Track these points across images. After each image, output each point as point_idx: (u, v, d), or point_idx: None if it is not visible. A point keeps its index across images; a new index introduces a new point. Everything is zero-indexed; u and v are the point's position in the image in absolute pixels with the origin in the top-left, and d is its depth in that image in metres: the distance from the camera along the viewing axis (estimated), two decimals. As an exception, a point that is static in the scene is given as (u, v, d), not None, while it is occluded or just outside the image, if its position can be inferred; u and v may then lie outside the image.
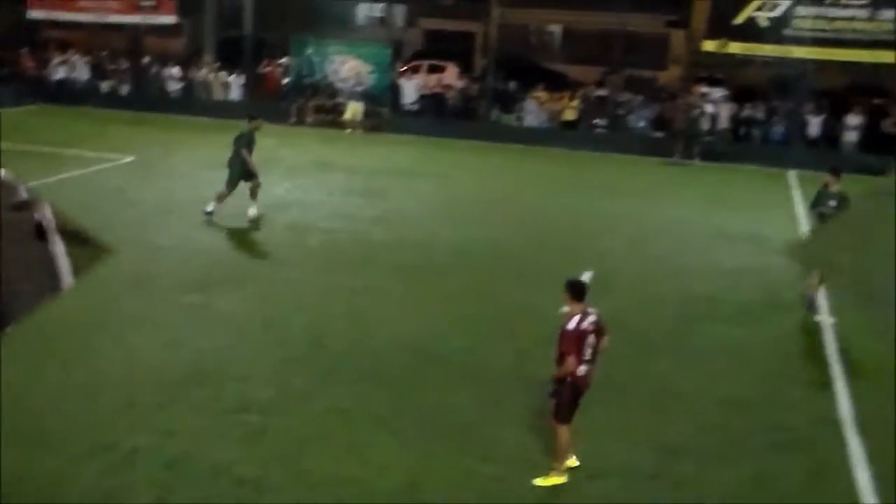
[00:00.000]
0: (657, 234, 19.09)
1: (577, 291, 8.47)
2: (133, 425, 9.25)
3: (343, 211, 19.26)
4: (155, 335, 11.79)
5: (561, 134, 31.68)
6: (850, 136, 30.38)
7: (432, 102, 33.55)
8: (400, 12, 46.72)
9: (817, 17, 30.97)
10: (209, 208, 17.76)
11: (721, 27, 32.09)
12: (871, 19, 30.49)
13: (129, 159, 23.86)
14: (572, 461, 8.76)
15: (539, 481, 8.58)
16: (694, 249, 18.01)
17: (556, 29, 46.62)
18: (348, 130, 31.50)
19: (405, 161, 26.47)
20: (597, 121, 32.29)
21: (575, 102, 32.34)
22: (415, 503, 8.26)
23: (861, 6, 30.45)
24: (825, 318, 13.89)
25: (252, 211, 17.85)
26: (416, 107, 33.48)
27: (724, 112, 31.47)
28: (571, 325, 8.32)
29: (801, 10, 31.06)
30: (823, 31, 30.95)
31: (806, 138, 30.86)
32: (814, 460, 9.40)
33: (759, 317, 13.98)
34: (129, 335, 11.74)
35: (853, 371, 11.85)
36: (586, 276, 15.05)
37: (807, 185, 25.99)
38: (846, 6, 30.57)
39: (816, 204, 15.00)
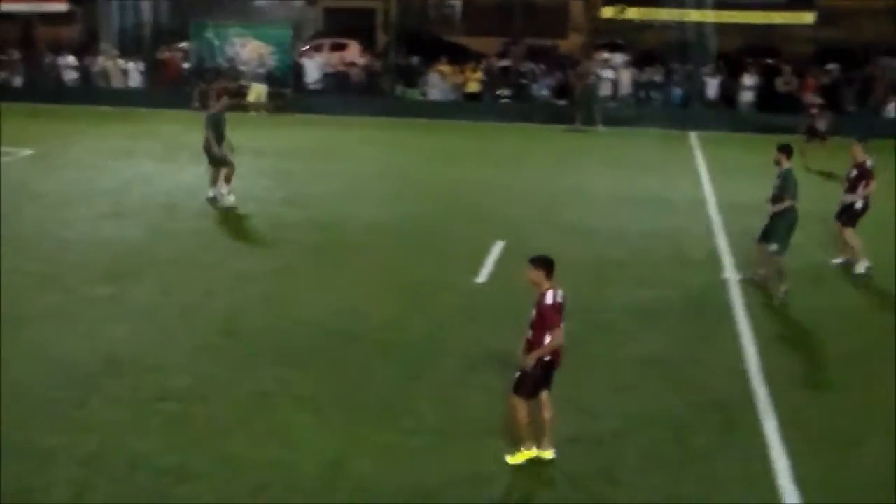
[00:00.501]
0: (565, 200, 19.35)
1: (548, 267, 8.50)
2: (48, 423, 9.10)
3: (252, 193, 19.09)
4: (67, 329, 11.60)
5: (466, 106, 31.84)
6: (747, 97, 31.15)
7: (336, 81, 33.40)
8: (300, -9, 46.26)
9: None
10: (210, 193, 18.12)
11: (619, -7, 32.58)
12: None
13: (28, 152, 23.28)
14: (548, 453, 8.65)
15: (511, 459, 8.54)
16: (602, 214, 18.32)
17: (456, 2, 46.68)
18: (253, 112, 31.16)
19: (312, 140, 26.33)
20: (500, 91, 32.54)
21: (478, 74, 32.51)
22: (341, 481, 8.30)
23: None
24: (731, 275, 14.26)
25: (229, 198, 17.99)
26: (319, 86, 33.30)
27: (626, 77, 31.95)
28: (549, 299, 8.35)
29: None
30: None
31: (705, 100, 31.50)
32: (725, 414, 9.66)
33: (669, 277, 14.29)
34: (39, 331, 11.52)
35: (758, 325, 12.21)
36: (498, 246, 15.28)
37: (708, 145, 26.63)
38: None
39: None
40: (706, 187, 20.90)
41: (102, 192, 18.06)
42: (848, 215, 14.64)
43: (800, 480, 8.36)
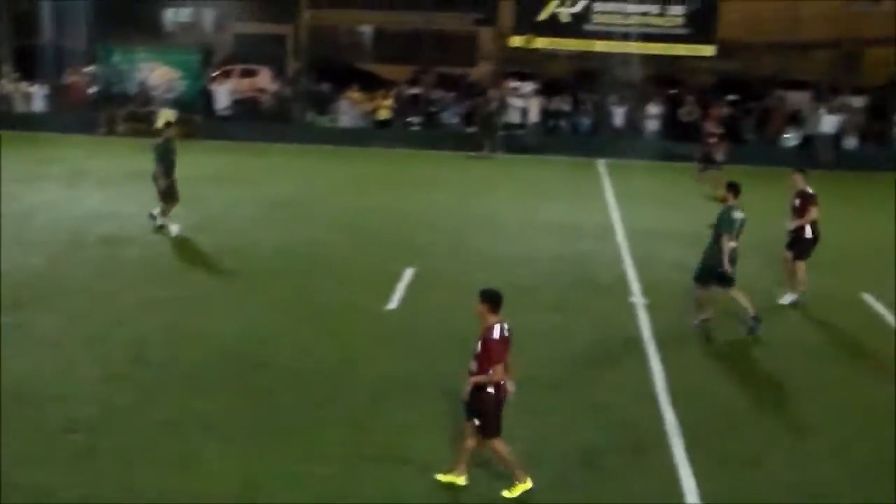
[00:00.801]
0: (475, 226, 19.54)
1: (494, 301, 8.51)
2: (-52, 456, 8.84)
3: (160, 221, 18.85)
4: (-34, 360, 11.28)
5: (376, 133, 31.96)
6: (652, 125, 31.85)
7: (246, 107, 33.22)
8: (209, 16, 45.90)
9: (614, 13, 32.35)
10: (159, 222, 17.88)
11: (526, 23, 33.16)
12: (661, 14, 32.13)
13: (-76, 179, 22.60)
14: (461, 479, 8.65)
15: (506, 493, 8.50)
16: (512, 240, 18.53)
17: (366, 29, 46.87)
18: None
19: (221, 167, 26.10)
20: (411, 119, 32.72)
21: (388, 101, 32.67)
22: (251, 509, 8.24)
23: (653, 2, 32.04)
24: (638, 299, 14.55)
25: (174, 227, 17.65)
26: (229, 112, 33.06)
27: (534, 106, 32.40)
28: (496, 334, 8.35)
29: (600, 6, 32.39)
30: (621, 25, 32.38)
31: (611, 128, 32.14)
32: (635, 435, 9.85)
33: (577, 302, 14.52)
34: (-63, 362, 11.19)
35: (665, 348, 12.46)
36: (408, 273, 15.35)
37: (615, 172, 27.16)
38: (640, 2, 32.09)
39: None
40: (613, 214, 21.31)
41: (6, 218, 17.62)
42: (800, 247, 14.48)
43: (705, 496, 8.56)
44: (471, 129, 31.30)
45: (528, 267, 16.44)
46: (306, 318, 13.34)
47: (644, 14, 32.43)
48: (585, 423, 10.10)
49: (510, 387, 8.48)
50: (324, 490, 8.56)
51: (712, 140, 24.63)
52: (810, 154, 30.05)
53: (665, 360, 11.99)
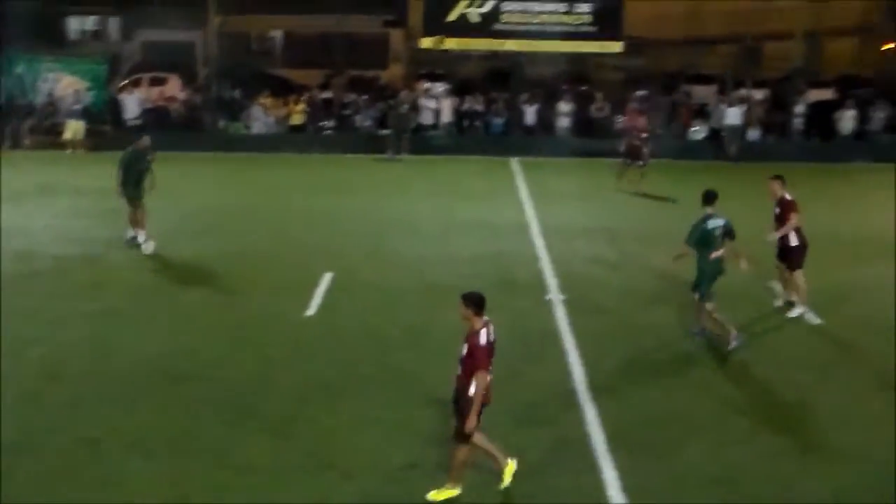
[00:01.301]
0: (393, 229, 19.60)
1: (478, 305, 8.45)
2: None
3: (72, 234, 18.55)
4: None
5: (290, 138, 31.81)
6: (563, 122, 32.25)
7: (156, 116, 32.73)
8: (115, 25, 45.07)
9: (523, 12, 32.70)
10: (129, 235, 17.54)
11: (436, 25, 33.31)
12: (569, 13, 32.59)
13: None
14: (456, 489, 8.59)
15: (433, 494, 8.48)
16: (429, 241, 18.64)
17: (277, 34, 46.52)
18: (69, 150, 30.17)
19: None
20: (324, 123, 32.64)
21: (301, 106, 32.53)
22: (175, 524, 8.18)
23: (561, 1, 32.49)
24: (555, 296, 14.75)
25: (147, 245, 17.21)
26: (139, 122, 32.50)
27: (447, 106, 32.56)
28: (482, 339, 8.31)
29: (509, 6, 32.71)
30: (530, 24, 32.76)
31: (524, 127, 32.47)
32: (556, 431, 10.00)
33: (495, 300, 14.54)
34: None
35: (583, 344, 12.66)
36: (327, 278, 15.35)
37: (529, 171, 27.45)
38: (548, 1, 32.52)
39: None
40: (529, 211, 21.55)
41: None
42: (791, 256, 13.90)
43: (628, 490, 8.72)
44: (384, 132, 31.32)
45: (446, 267, 16.56)
46: (225, 328, 13.25)
47: (552, 13, 32.85)
48: (507, 419, 10.16)
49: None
50: (251, 500, 8.54)
51: (643, 137, 24.86)
52: (717, 146, 30.82)
53: (584, 356, 12.18)
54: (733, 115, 31.09)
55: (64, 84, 32.32)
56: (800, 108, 32.56)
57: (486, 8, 33.01)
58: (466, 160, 29.50)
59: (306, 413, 10.38)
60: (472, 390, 8.21)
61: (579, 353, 12.27)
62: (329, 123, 32.67)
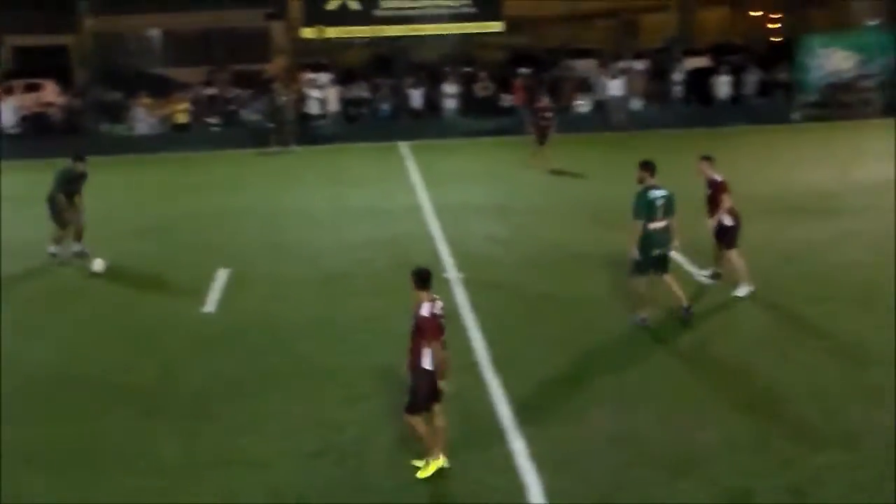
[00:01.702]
0: (287, 220, 19.49)
1: (421, 279, 8.50)
2: None
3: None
4: None
5: (175, 138, 31.32)
6: (450, 104, 32.46)
7: (34, 123, 31.84)
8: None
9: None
10: (52, 250, 16.74)
11: (317, 14, 33.10)
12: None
13: None
14: (440, 461, 8.64)
15: (421, 473, 8.54)
16: (324, 230, 18.58)
17: (155, 33, 45.57)
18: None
19: (14, 187, 24.90)
20: (210, 120, 32.19)
21: (184, 105, 32.03)
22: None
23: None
24: (452, 274, 14.87)
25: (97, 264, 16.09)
26: (17, 129, 31.60)
27: (333, 95, 32.45)
28: (425, 311, 8.32)
29: (388, -9, 32.79)
30: (410, 8, 32.84)
31: (410, 110, 32.58)
32: (462, 406, 10.05)
33: (395, 284, 14.65)
34: None
35: (484, 319, 12.81)
36: (223, 274, 15.20)
37: (419, 154, 27.55)
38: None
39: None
40: (421, 194, 21.65)
41: None
42: (725, 236, 13.48)
43: (535, 458, 8.86)
44: (270, 125, 31.03)
45: (342, 255, 16.55)
46: (122, 332, 13.01)
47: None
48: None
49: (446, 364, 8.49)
50: (162, 503, 8.44)
51: (548, 115, 25.03)
52: (603, 118, 31.41)
53: (485, 330, 12.31)
54: (616, 87, 31.71)
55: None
56: (678, 77, 33.40)
57: (366, -6, 33.01)
58: (355, 148, 29.46)
59: (212, 410, 10.27)
60: (425, 362, 8.30)
61: (480, 329, 12.39)
62: (215, 120, 32.24)
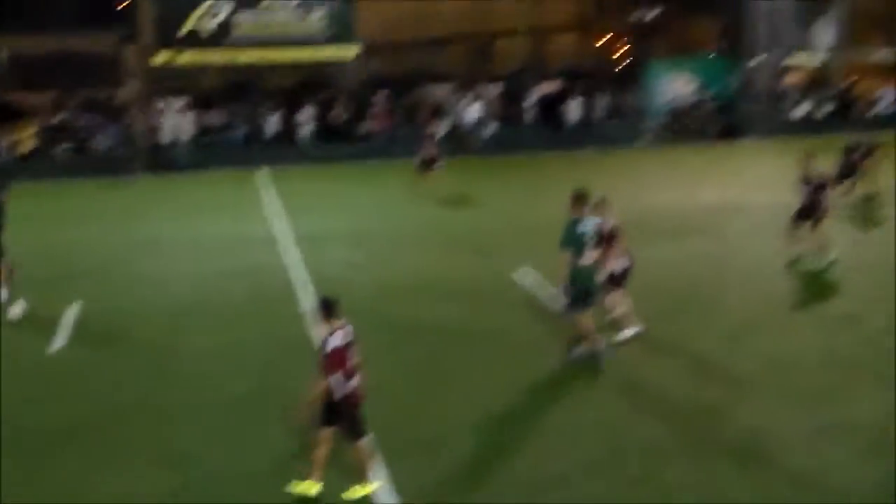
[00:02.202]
0: (139, 251, 19.16)
1: (326, 309, 8.45)
2: None
3: None
4: None
5: (21, 167, 30.26)
6: (306, 130, 32.48)
7: None
8: None
9: (256, 23, 32.68)
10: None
11: (169, 39, 32.71)
12: (302, 20, 32.87)
13: None
14: (316, 486, 8.68)
15: (355, 492, 8.58)
16: (178, 260, 18.35)
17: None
18: None
19: None
20: (60, 147, 31.34)
21: (31, 132, 31.10)
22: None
23: (293, 9, 32.71)
24: (309, 304, 14.88)
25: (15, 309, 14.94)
26: None
27: (187, 122, 32.04)
28: (332, 343, 8.29)
29: (241, 17, 32.61)
30: (263, 34, 32.79)
31: (267, 137, 32.45)
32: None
33: (250, 315, 14.64)
34: None
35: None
36: (74, 309, 14.87)
37: (276, 181, 27.48)
38: (279, 11, 32.64)
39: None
40: (277, 221, 21.60)
41: None
42: (621, 278, 12.88)
43: (396, 480, 8.96)
44: (122, 153, 30.43)
45: (196, 286, 16.39)
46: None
47: (286, 22, 32.99)
48: (276, 432, 10.13)
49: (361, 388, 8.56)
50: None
51: (433, 140, 25.19)
52: (459, 142, 31.92)
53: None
54: (471, 111, 32.32)
55: None
56: (531, 101, 34.27)
57: (219, 20, 32.75)
58: (210, 175, 29.15)
59: (60, 448, 10.06)
60: (338, 392, 8.36)
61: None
62: (63, 148, 31.39)
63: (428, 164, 24.67)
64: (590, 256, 11.72)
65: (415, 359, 12.56)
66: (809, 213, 16.20)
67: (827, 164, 18.17)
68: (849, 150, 21.61)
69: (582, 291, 11.78)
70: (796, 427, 9.98)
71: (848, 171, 21.37)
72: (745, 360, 11.97)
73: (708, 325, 13.51)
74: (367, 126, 32.46)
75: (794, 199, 16.49)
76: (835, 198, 16.90)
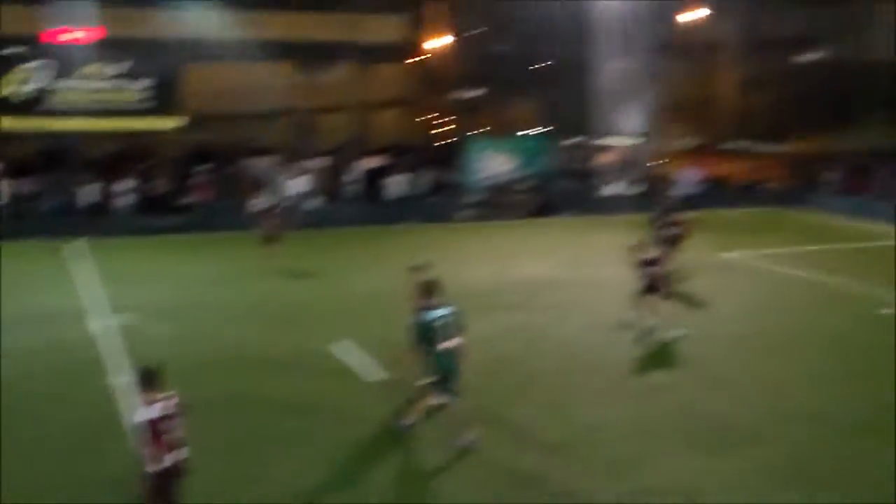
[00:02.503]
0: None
1: (144, 380, 8.33)
2: None
3: None
4: None
5: None
6: (124, 201, 31.81)
7: None
8: None
9: (76, 90, 32.10)
10: None
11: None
12: (124, 90, 32.51)
13: None
14: None
15: None
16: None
17: None
18: None
19: None
20: None
21: None
22: None
23: (114, 78, 32.32)
24: (122, 378, 14.52)
25: None
26: None
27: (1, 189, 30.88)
28: (147, 414, 8.13)
29: (61, 84, 32.00)
30: (84, 102, 32.20)
31: (82, 207, 31.56)
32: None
33: (57, 393, 14.13)
34: None
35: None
36: None
37: (91, 252, 26.67)
38: (101, 80, 32.18)
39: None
40: (91, 294, 20.95)
41: None
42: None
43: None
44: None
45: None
46: None
47: (106, 90, 32.49)
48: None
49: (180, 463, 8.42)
50: None
51: (276, 211, 25.12)
52: (282, 218, 31.84)
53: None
54: (294, 186, 32.44)
55: None
56: (355, 175, 34.70)
57: (36, 86, 31.95)
58: (23, 246, 27.98)
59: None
60: (157, 464, 8.28)
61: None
62: None
63: (271, 238, 24.53)
64: (447, 344, 11.59)
65: (234, 436, 12.41)
66: (652, 288, 17.03)
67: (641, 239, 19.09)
68: (658, 224, 22.39)
69: (442, 377, 11.70)
70: (608, 492, 10.46)
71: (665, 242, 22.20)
72: (559, 428, 12.45)
73: (523, 395, 13.96)
74: (189, 198, 32.05)
75: (621, 276, 17.16)
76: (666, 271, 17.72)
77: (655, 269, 16.96)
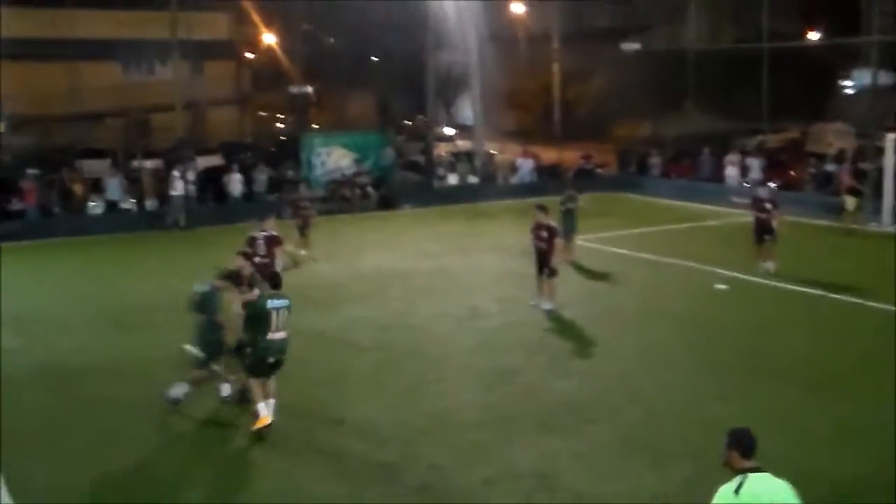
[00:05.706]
0: None
1: None
2: None
3: None
4: None
5: None
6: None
7: None
8: None
9: None
10: None
11: None
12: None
13: None
14: None
15: None
16: None
17: None
18: None
19: None
20: None
21: None
22: None
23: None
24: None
25: None
26: None
27: None
28: None
29: None
30: None
31: None
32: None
33: None
34: None
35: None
36: None
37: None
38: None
39: None
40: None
41: None
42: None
43: None
44: None
45: None
46: None
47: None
48: None
49: None
50: None
51: (306, 205, 25.42)
52: (115, 219, 31.00)
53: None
54: (114, 190, 31.71)
55: None
56: (191, 176, 33.98)
57: None
58: None
59: None
60: None
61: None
62: None
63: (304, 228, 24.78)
64: (278, 334, 12.02)
65: (77, 444, 12.11)
66: (543, 263, 18.08)
67: (485, 228, 19.58)
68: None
69: (265, 364, 12.07)
70: (463, 480, 10.66)
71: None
72: (411, 418, 12.64)
73: (375, 386, 14.12)
74: (19, 204, 30.76)
75: (466, 264, 17.41)
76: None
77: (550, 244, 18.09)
